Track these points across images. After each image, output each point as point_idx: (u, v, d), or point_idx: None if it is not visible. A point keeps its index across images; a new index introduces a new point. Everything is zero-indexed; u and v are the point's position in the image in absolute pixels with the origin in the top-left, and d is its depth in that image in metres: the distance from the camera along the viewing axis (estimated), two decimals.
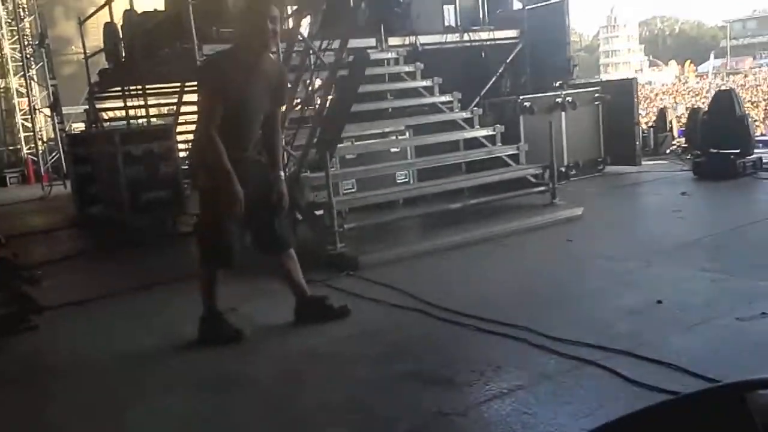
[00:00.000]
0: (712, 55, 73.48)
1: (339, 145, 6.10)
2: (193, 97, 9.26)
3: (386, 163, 6.65)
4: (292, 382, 3.29)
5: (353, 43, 6.04)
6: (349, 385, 3.18)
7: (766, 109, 21.19)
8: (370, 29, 5.53)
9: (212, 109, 3.62)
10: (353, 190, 6.58)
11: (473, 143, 7.34)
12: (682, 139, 10.38)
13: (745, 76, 58.59)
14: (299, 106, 6.26)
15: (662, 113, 10.54)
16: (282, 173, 3.98)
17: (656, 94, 33.04)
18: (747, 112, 8.21)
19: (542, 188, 6.59)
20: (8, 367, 3.90)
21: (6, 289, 4.50)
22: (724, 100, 7.81)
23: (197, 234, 3.90)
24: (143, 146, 7.86)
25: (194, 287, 3.98)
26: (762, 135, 10.38)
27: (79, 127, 15.11)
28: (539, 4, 9.40)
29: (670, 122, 10.41)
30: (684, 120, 16.36)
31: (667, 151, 10.01)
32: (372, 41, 7.34)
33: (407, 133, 7.36)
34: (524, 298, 4.23)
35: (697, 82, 56.98)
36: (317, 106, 5.90)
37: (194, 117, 10.09)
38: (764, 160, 7.78)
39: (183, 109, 10.18)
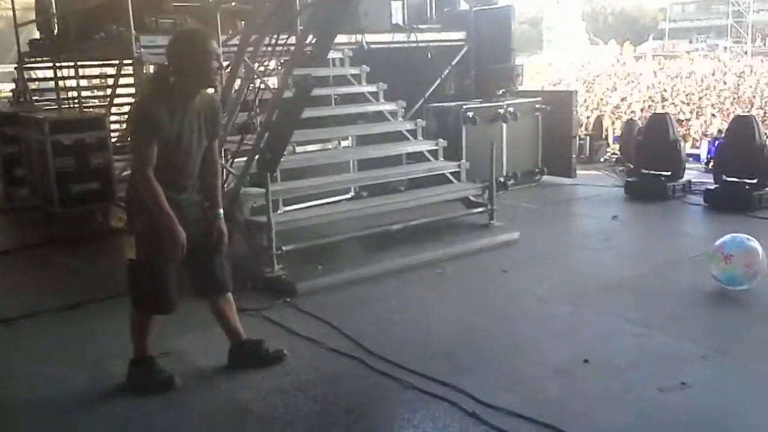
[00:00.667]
0: (650, 37, 75.06)
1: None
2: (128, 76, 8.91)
3: (329, 178, 6.59)
4: None
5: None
6: None
7: (698, 105, 21.85)
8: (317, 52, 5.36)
9: (147, 152, 3.48)
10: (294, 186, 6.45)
11: (416, 156, 7.36)
12: (617, 146, 10.65)
13: (684, 59, 60.14)
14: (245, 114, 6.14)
15: (599, 121, 10.81)
16: (221, 211, 3.90)
17: (594, 78, 33.65)
18: (679, 133, 8.48)
19: (481, 209, 6.68)
20: None
21: None
22: (659, 123, 8.03)
23: (132, 278, 3.78)
24: (74, 136, 7.58)
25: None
26: (694, 147, 10.73)
27: (6, 90, 14.39)
28: (486, 7, 9.41)
29: (606, 130, 10.68)
30: (620, 113, 16.83)
31: (602, 159, 10.27)
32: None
33: (350, 142, 7.33)
34: (457, 346, 4.30)
35: (635, 64, 58.09)
36: (259, 125, 5.79)
37: (128, 100, 9.92)
38: (693, 182, 8.09)
39: (118, 91, 9.78)
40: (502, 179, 8.35)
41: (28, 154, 8.31)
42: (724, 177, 7.45)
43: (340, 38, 7.93)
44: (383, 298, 5.17)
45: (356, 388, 3.79)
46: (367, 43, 8.18)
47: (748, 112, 18.82)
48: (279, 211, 6.09)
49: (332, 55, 7.82)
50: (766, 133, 7.48)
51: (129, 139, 3.55)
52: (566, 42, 79.54)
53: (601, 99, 23.08)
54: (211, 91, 4.02)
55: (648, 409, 3.50)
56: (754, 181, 7.23)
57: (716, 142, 8.73)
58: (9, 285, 5.90)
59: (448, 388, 3.68)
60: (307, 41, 5.21)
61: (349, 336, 4.39)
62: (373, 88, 7.70)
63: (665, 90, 26.47)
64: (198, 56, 3.49)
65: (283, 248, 5.42)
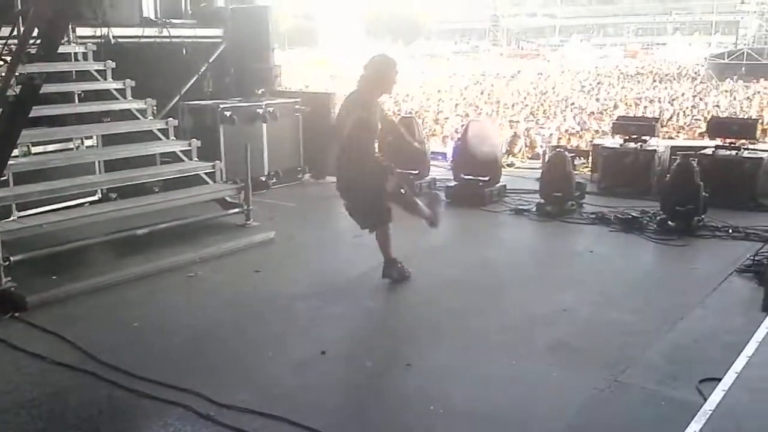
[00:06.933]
0: (421, 37, 79.82)
1: (11, 160, 5.52)
2: None
3: (69, 181, 6.18)
4: None
5: None
6: None
7: (457, 104, 23.53)
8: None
9: None
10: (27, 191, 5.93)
11: (169, 157, 7.16)
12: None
13: (448, 59, 65.00)
14: None
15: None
16: None
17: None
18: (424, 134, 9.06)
19: (237, 210, 6.68)
20: None
21: None
22: (407, 125, 8.52)
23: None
24: None
25: None
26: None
27: None
28: (243, 6, 9.39)
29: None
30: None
31: None
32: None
33: (95, 141, 6.96)
34: (200, 349, 4.32)
35: (406, 61, 61.38)
36: None
37: None
38: (438, 179, 8.71)
39: None
40: (263, 178, 8.44)
41: None
42: (462, 175, 8.16)
43: (83, 31, 7.53)
44: (127, 305, 5.00)
45: (87, 402, 3.65)
46: (114, 36, 7.79)
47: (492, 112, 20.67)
48: (10, 218, 5.61)
49: (74, 49, 7.35)
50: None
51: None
52: (341, 38, 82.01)
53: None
54: None
55: (377, 389, 3.80)
56: (487, 178, 8.01)
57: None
58: None
59: (185, 393, 3.68)
60: (33, 37, 4.83)
61: (82, 348, 4.20)
62: (119, 85, 7.34)
63: (426, 97, 28.08)
64: (393, 69, 5.33)
65: (12, 259, 5.01)
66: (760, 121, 15.20)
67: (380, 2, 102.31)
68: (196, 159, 7.08)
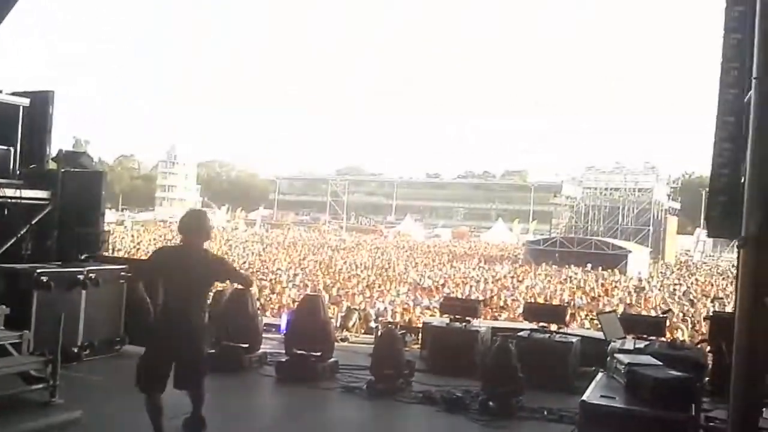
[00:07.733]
0: (261, 207, 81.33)
1: None
2: None
3: None
4: None
5: None
6: None
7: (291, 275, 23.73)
8: None
9: None
10: None
11: None
12: None
13: (289, 229, 66.28)
14: None
15: None
16: None
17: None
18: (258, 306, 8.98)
19: (40, 386, 6.07)
20: None
21: None
22: (239, 297, 8.40)
23: None
24: None
25: None
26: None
27: None
28: (75, 170, 9.16)
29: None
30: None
31: None
32: None
33: None
34: None
35: (245, 230, 61.91)
36: None
37: None
38: (270, 353, 8.51)
39: None
40: (75, 349, 7.83)
41: None
42: (295, 349, 8.05)
43: None
44: None
45: None
46: None
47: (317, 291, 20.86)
48: None
49: None
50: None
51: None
52: (180, 203, 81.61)
53: None
54: None
55: None
56: (319, 354, 7.95)
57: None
58: None
59: None
60: None
61: None
62: None
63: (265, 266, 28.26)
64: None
65: None
66: (570, 304, 16.63)
67: (221, 169, 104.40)
68: (2, 327, 6.47)
